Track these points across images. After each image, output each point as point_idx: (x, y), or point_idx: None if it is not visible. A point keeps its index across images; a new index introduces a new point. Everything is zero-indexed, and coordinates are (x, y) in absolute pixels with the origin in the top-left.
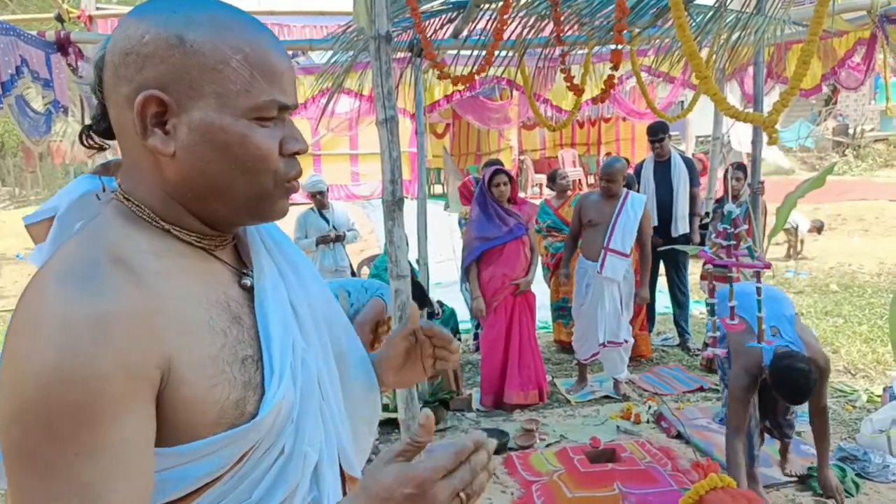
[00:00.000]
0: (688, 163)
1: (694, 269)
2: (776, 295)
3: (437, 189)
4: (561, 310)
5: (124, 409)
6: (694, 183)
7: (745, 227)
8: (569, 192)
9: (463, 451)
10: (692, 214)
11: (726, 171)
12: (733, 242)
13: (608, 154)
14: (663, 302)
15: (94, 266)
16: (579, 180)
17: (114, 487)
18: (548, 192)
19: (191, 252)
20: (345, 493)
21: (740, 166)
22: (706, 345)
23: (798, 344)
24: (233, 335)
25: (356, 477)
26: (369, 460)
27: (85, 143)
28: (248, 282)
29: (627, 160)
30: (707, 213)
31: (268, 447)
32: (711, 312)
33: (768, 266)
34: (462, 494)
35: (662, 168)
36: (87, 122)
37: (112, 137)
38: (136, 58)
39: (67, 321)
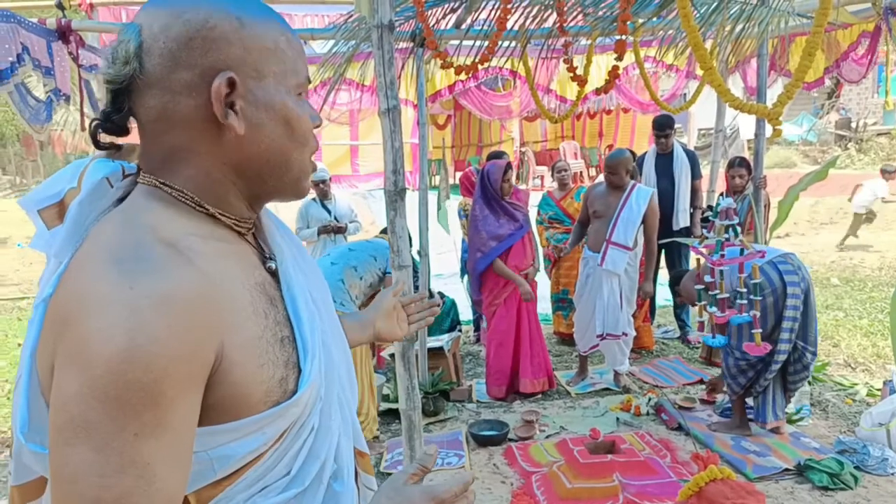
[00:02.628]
0: (690, 155)
1: (694, 262)
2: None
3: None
4: (561, 301)
5: (185, 390)
6: (695, 175)
7: (736, 220)
8: (570, 185)
9: (468, 483)
10: (694, 207)
11: (728, 164)
12: (728, 235)
13: (609, 146)
14: (664, 294)
15: (144, 248)
16: (580, 172)
17: (169, 467)
18: (549, 184)
19: (229, 236)
20: (356, 468)
21: (742, 162)
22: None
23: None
24: (272, 317)
25: (365, 452)
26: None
27: (99, 141)
28: (272, 265)
29: (633, 152)
30: (709, 207)
31: (302, 423)
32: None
33: (717, 264)
34: None
35: (664, 161)
36: (87, 110)
37: (124, 134)
38: (202, 42)
39: (133, 302)
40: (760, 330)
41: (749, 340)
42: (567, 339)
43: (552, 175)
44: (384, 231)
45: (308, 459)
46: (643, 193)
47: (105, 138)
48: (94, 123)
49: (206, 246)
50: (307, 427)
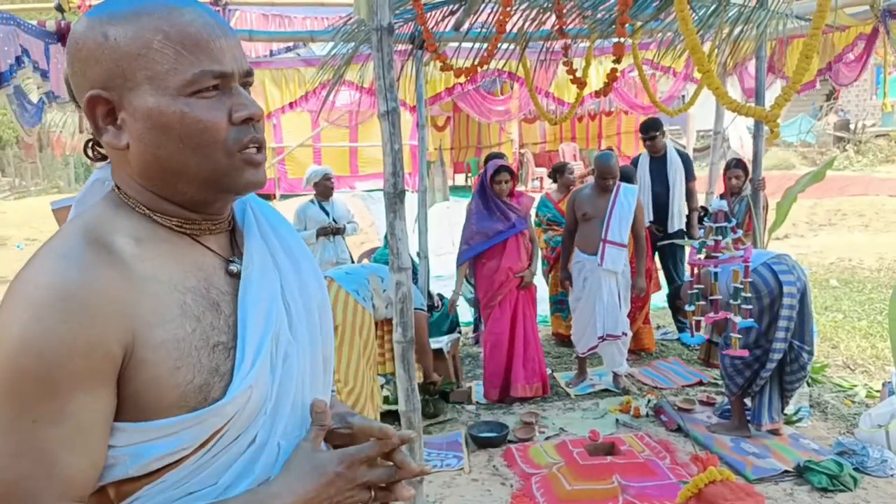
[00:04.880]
0: (683, 157)
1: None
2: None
3: (438, 182)
4: (560, 303)
5: (85, 382)
6: (689, 178)
7: (733, 223)
8: (572, 187)
9: (385, 443)
10: (690, 209)
11: (726, 166)
12: (720, 237)
13: (609, 148)
14: (660, 296)
15: (73, 246)
16: (581, 175)
17: (70, 455)
18: (548, 186)
19: (175, 238)
20: None
21: (739, 163)
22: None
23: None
24: (207, 321)
25: None
26: None
27: (91, 155)
28: (234, 269)
29: (613, 150)
30: (703, 208)
31: (237, 435)
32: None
33: (695, 264)
34: (373, 492)
35: (658, 164)
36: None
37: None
38: (78, 66)
39: (35, 295)
40: (740, 335)
41: (741, 342)
42: (567, 341)
43: (557, 176)
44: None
45: (244, 473)
46: (630, 191)
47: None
48: (85, 143)
49: (139, 247)
50: (244, 440)
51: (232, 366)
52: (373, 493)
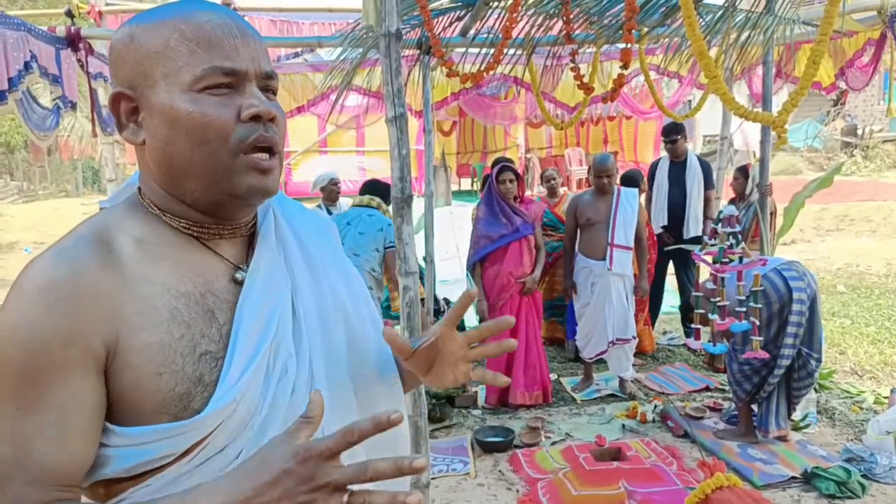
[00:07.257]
0: (704, 165)
1: (704, 270)
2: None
3: (441, 188)
4: (557, 308)
5: (65, 373)
6: (709, 185)
7: (739, 227)
8: (560, 192)
9: (351, 431)
10: (706, 217)
11: (735, 172)
12: (731, 242)
13: (615, 153)
14: (669, 301)
15: (73, 243)
16: (587, 179)
17: (52, 445)
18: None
19: (181, 241)
20: None
21: (740, 168)
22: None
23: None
24: (197, 328)
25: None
26: None
27: None
28: (240, 276)
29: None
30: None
31: (223, 446)
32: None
33: (720, 271)
34: (345, 498)
35: (677, 168)
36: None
37: None
38: (112, 66)
39: (25, 288)
40: (761, 338)
41: (747, 347)
42: (562, 343)
43: (541, 184)
44: (364, 192)
45: None
46: (631, 194)
47: None
48: None
49: (140, 248)
50: (228, 453)
51: (218, 377)
52: (345, 499)
